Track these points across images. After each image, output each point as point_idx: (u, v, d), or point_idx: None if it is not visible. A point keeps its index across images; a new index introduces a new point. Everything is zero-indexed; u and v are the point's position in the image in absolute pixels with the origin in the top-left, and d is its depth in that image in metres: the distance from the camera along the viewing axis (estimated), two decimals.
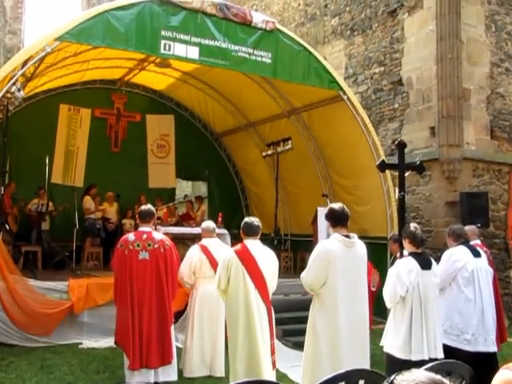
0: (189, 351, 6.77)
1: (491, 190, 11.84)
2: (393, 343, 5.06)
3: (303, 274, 4.88)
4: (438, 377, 1.63)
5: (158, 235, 6.25)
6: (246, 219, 5.90)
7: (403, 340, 4.95)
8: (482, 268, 6.21)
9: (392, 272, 5.17)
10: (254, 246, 5.68)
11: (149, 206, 6.41)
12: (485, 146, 12.08)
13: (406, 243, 5.31)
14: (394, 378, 1.65)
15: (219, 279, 5.63)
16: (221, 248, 6.97)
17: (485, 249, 7.64)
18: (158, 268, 6.00)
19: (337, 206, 4.99)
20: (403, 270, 5.06)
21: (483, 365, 5.25)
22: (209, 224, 7.28)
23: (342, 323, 4.65)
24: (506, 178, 12.27)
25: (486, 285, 6.18)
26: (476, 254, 6.24)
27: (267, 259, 5.73)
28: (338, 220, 4.90)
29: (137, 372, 5.84)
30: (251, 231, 5.71)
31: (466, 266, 6.10)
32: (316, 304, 4.82)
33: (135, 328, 5.85)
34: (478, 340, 5.96)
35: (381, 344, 5.27)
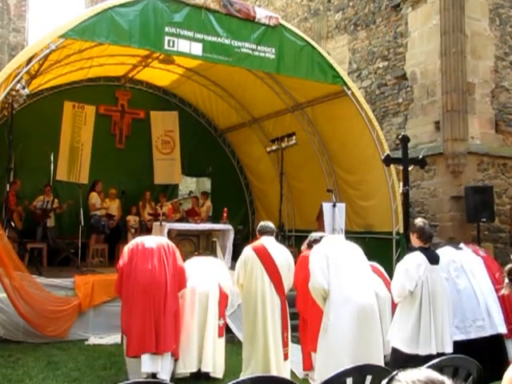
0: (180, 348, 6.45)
1: (496, 184, 11.80)
2: (399, 338, 5.07)
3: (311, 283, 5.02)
4: (440, 377, 1.60)
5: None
6: (261, 222, 6.37)
7: (410, 334, 4.97)
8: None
9: (400, 267, 5.18)
10: (270, 242, 6.05)
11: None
12: (489, 140, 12.05)
13: (413, 238, 5.32)
14: (396, 374, 1.65)
15: (238, 274, 6.01)
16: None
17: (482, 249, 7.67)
18: (161, 256, 6.10)
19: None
20: (412, 264, 5.07)
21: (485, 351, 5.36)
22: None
23: (350, 317, 4.69)
24: (510, 172, 12.24)
25: (477, 273, 6.24)
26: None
27: (282, 255, 6.03)
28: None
29: (134, 360, 5.90)
30: (266, 229, 6.16)
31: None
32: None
33: (138, 313, 5.92)
34: (469, 328, 6.03)
35: (387, 339, 5.28)
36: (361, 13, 14.02)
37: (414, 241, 5.33)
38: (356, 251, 5.41)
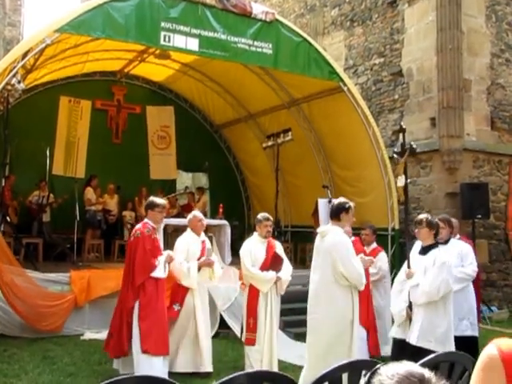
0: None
1: (491, 181, 11.82)
2: (433, 337, 4.97)
3: None
4: (420, 370, 1.59)
5: (139, 225, 6.22)
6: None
7: (445, 332, 4.93)
8: None
9: (439, 264, 5.07)
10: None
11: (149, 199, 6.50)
12: (485, 136, 12.06)
13: (428, 234, 5.25)
14: (378, 368, 1.66)
15: None
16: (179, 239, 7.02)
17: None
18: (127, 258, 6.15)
19: (336, 200, 5.24)
20: (450, 261, 5.06)
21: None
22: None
23: (319, 312, 4.80)
24: (506, 169, 12.26)
25: None
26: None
27: None
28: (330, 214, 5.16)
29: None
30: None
31: None
32: None
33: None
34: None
35: (410, 341, 5.10)
36: (357, 9, 14.00)
37: (429, 237, 5.27)
38: None
